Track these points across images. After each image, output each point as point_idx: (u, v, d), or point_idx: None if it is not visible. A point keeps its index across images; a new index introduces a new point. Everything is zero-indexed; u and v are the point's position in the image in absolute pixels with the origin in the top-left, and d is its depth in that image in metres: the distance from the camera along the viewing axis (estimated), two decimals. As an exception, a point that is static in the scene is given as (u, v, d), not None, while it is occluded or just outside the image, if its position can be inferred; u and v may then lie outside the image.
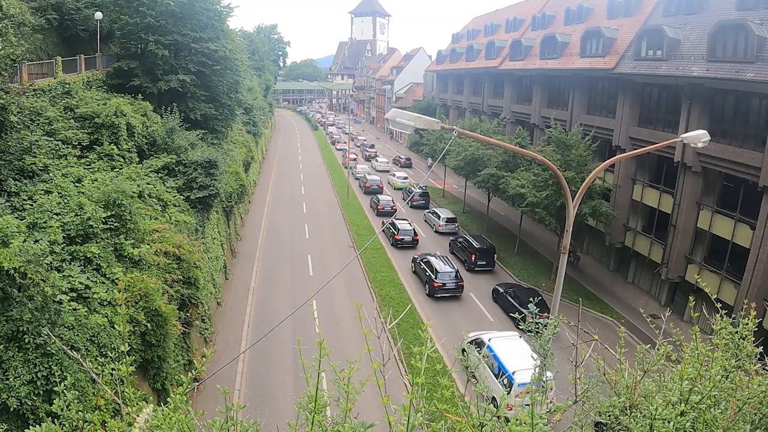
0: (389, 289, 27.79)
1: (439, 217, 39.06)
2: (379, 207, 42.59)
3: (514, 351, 18.45)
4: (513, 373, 16.93)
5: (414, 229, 35.78)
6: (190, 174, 21.04)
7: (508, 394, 15.84)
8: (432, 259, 28.58)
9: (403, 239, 34.57)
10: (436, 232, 38.74)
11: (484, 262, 31.28)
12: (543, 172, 28.36)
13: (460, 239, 33.64)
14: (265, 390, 18.45)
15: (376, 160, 66.43)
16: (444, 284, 27.02)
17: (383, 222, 38.07)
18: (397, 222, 36.13)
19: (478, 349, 19.05)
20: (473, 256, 31.21)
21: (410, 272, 30.52)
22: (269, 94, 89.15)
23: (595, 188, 27.77)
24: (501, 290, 26.67)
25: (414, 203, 45.08)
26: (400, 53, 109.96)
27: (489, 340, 19.20)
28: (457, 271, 27.80)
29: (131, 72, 24.90)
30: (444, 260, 28.76)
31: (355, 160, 62.04)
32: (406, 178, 54.93)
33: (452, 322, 24.73)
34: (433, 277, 27.28)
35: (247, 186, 33.99)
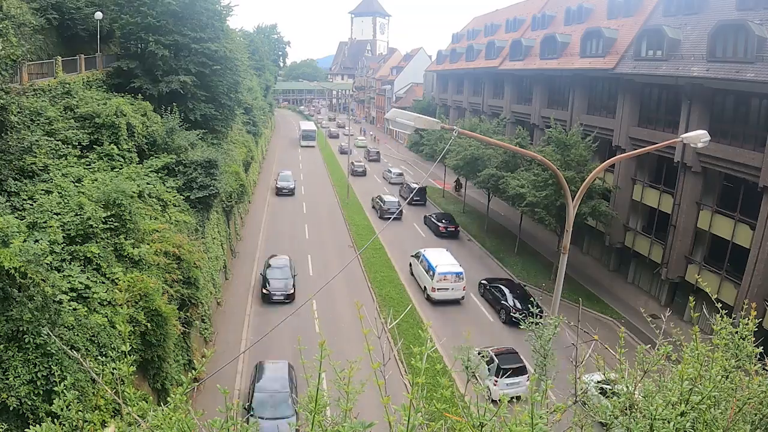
0: (389, 289, 27.77)
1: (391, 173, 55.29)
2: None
3: (439, 255, 27.56)
4: (435, 266, 25.82)
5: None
6: (190, 174, 21.03)
7: (432, 279, 24.00)
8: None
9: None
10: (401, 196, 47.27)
11: (418, 198, 44.67)
12: (543, 172, 28.35)
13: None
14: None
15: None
16: None
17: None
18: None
19: (418, 258, 28.57)
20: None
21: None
22: (269, 94, 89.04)
23: (594, 188, 27.76)
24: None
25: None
26: (400, 53, 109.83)
27: (423, 251, 28.63)
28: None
29: (131, 72, 24.86)
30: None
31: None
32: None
33: (452, 322, 24.69)
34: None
35: (247, 186, 33.98)
